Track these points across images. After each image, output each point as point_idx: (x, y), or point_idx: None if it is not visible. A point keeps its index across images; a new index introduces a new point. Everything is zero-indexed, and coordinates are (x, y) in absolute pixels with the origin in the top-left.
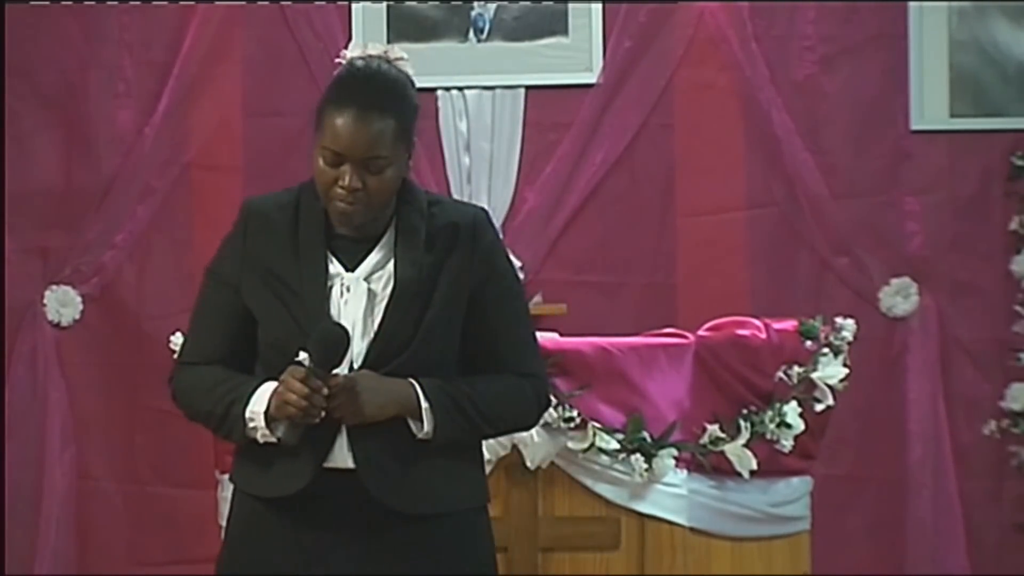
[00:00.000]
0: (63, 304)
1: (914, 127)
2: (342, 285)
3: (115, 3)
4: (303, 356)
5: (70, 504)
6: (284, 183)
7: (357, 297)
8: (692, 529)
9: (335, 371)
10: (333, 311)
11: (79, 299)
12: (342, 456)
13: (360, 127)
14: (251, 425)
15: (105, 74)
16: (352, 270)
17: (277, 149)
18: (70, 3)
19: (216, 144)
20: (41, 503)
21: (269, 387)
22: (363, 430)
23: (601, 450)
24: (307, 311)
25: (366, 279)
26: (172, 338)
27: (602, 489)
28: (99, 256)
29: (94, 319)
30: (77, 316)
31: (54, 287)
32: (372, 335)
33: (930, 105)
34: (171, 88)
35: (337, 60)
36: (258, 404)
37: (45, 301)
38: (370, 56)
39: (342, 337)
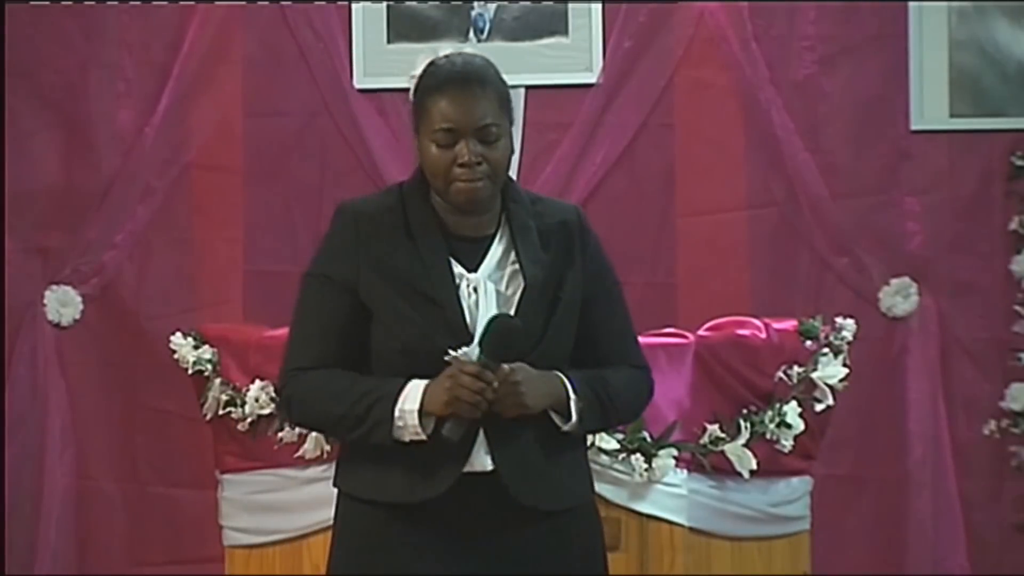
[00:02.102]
0: (63, 304)
1: (914, 127)
2: (468, 286)
3: (115, 3)
4: (462, 352)
5: (70, 504)
6: (284, 183)
7: (487, 298)
8: (692, 529)
9: (507, 361)
10: (465, 312)
11: (79, 299)
12: (479, 459)
13: (468, 98)
14: (399, 424)
15: (105, 74)
16: (473, 270)
17: (277, 149)
18: (70, 3)
19: (216, 144)
20: (41, 503)
21: (420, 384)
22: (501, 431)
23: (601, 450)
24: (444, 314)
25: (491, 279)
26: (172, 338)
27: (602, 489)
28: (99, 256)
29: (94, 319)
30: (77, 316)
31: (54, 287)
32: None
33: (930, 105)
34: (171, 88)
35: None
36: (409, 403)
37: (45, 301)
38: (451, 54)
39: (520, 329)
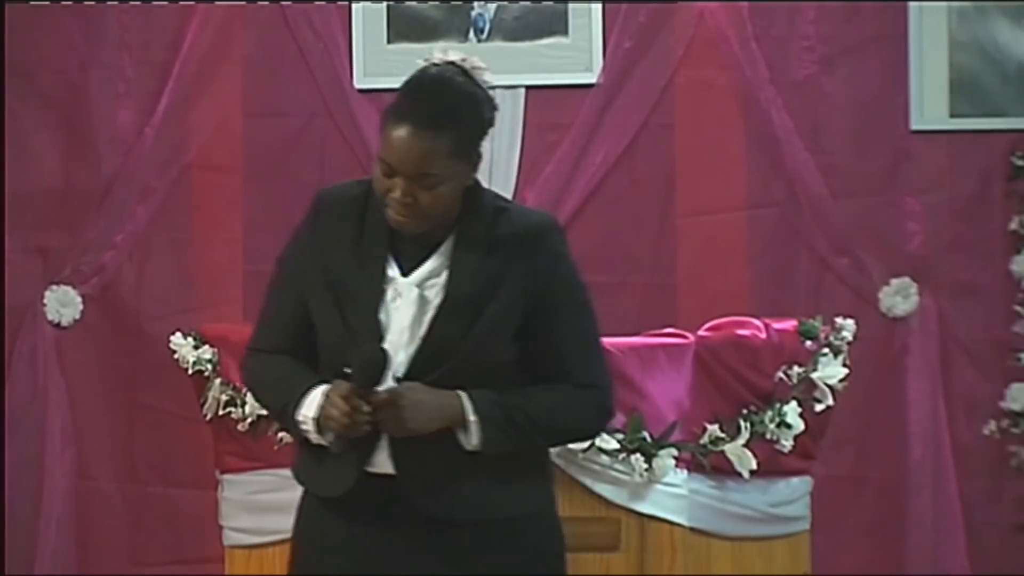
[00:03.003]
0: (63, 304)
1: (914, 127)
2: (395, 290)
3: (115, 3)
4: (348, 371)
5: (70, 504)
6: (284, 183)
7: (407, 304)
8: (692, 529)
9: (378, 387)
10: (383, 316)
11: (79, 299)
12: (384, 461)
13: (412, 144)
14: (304, 428)
15: (105, 74)
16: (408, 273)
17: (277, 149)
18: (70, 3)
19: (216, 144)
20: (41, 503)
21: (318, 392)
22: (405, 438)
23: (601, 450)
24: (358, 316)
25: (419, 285)
26: (172, 338)
27: (602, 489)
28: (99, 256)
29: (94, 319)
30: (77, 316)
31: (54, 287)
32: (418, 343)
33: (930, 105)
34: (171, 88)
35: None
36: (309, 409)
37: (45, 301)
38: (447, 63)
39: (381, 359)
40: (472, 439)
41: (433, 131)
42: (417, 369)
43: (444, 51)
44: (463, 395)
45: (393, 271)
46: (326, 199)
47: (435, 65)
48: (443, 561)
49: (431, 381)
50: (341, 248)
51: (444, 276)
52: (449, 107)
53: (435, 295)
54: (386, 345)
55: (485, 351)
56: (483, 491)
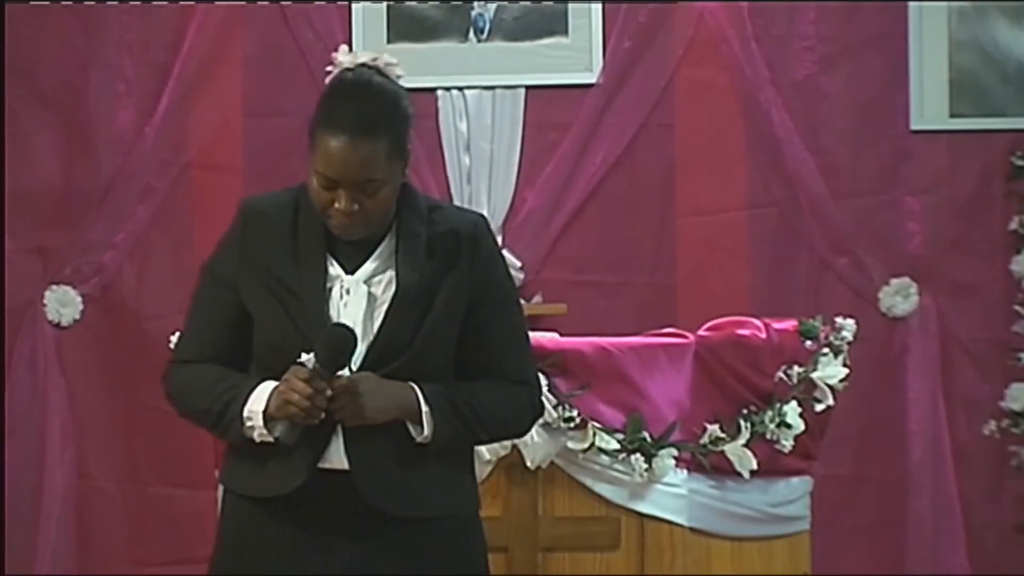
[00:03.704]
0: (63, 304)
1: (914, 127)
2: (342, 288)
3: (115, 3)
4: (306, 358)
5: (70, 504)
6: (284, 183)
7: (357, 300)
8: (692, 529)
9: (339, 373)
10: (332, 314)
11: (79, 299)
12: (338, 457)
13: (352, 154)
14: (248, 424)
15: (105, 74)
16: (352, 273)
17: (277, 149)
18: (70, 3)
19: (216, 144)
20: (41, 503)
21: (268, 386)
22: (359, 432)
23: (601, 450)
24: (306, 313)
25: (366, 282)
26: (172, 338)
27: (602, 489)
28: (99, 256)
29: (94, 319)
30: (77, 316)
31: (54, 287)
32: (372, 338)
33: (930, 105)
34: (171, 88)
35: (328, 69)
36: (256, 403)
37: (45, 301)
38: (361, 66)
39: (350, 339)
40: (424, 430)
41: (370, 136)
42: (370, 363)
43: (352, 54)
44: (415, 386)
45: (336, 269)
46: (254, 207)
47: (348, 70)
48: (393, 559)
49: (382, 376)
50: (277, 252)
51: (390, 273)
52: (379, 110)
53: (382, 291)
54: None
55: (435, 346)
56: (432, 488)
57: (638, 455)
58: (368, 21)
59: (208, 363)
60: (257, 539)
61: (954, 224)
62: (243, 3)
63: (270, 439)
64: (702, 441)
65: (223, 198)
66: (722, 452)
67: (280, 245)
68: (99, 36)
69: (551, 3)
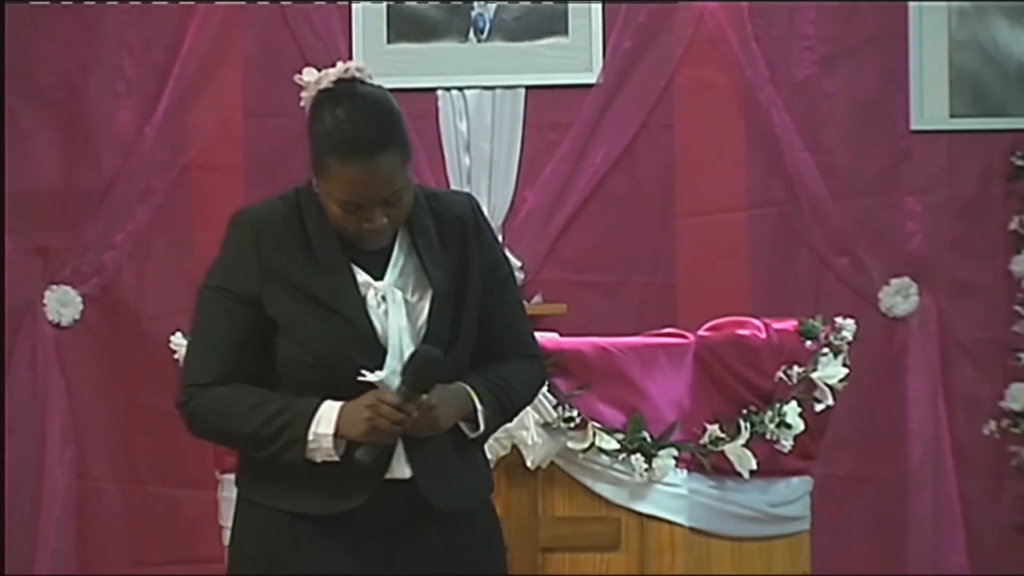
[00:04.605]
0: (63, 304)
1: (914, 127)
2: (376, 295)
3: (115, 3)
4: (374, 377)
5: (70, 504)
6: (284, 183)
7: (397, 306)
8: (692, 529)
9: (428, 390)
10: (377, 325)
11: (79, 299)
12: (399, 467)
13: (375, 175)
14: (312, 447)
15: (105, 74)
16: (378, 277)
17: (277, 149)
18: (70, 3)
19: (216, 144)
20: (41, 503)
21: (333, 408)
22: (417, 440)
23: (601, 450)
24: (349, 326)
25: (396, 286)
26: (172, 338)
27: (602, 489)
28: (99, 256)
29: (94, 319)
30: (77, 316)
31: (54, 287)
32: (420, 342)
33: (930, 105)
34: (171, 88)
35: (297, 80)
36: (323, 426)
37: (45, 301)
38: (339, 82)
39: (440, 359)
40: (479, 427)
41: (385, 151)
42: None
43: (322, 72)
44: (466, 385)
45: (363, 276)
46: (258, 219)
47: (329, 90)
48: (448, 554)
49: None
50: (299, 263)
51: (416, 274)
52: (381, 120)
53: (413, 293)
54: (389, 348)
55: (470, 339)
56: (471, 478)
57: (638, 455)
58: (368, 21)
59: (230, 384)
60: (312, 555)
61: (954, 224)
62: (243, 3)
63: (335, 460)
64: (702, 441)
65: (223, 198)
66: (722, 452)
67: (300, 256)
68: (99, 36)
69: (551, 3)
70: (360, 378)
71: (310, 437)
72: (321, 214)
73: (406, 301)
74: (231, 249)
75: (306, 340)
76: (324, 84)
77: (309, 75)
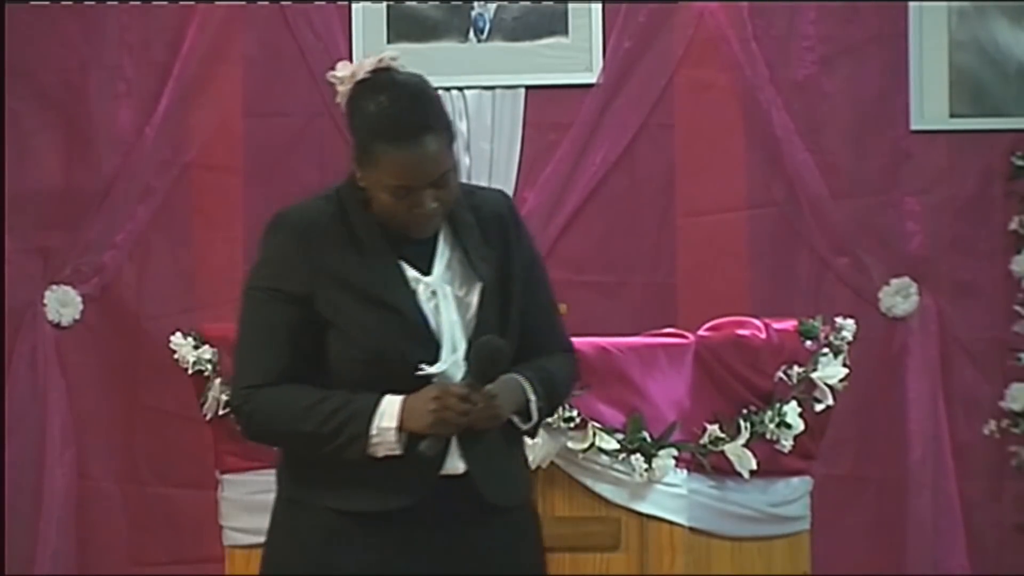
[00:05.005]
0: (63, 304)
1: (914, 127)
2: (426, 290)
3: (115, 3)
4: (432, 370)
5: (70, 504)
6: (284, 183)
7: (447, 300)
8: (692, 529)
9: (493, 381)
10: (430, 320)
11: (79, 299)
12: (453, 463)
13: (423, 156)
14: (375, 441)
15: (105, 74)
16: (425, 272)
17: (277, 149)
18: (70, 3)
19: (216, 144)
20: (41, 503)
21: (396, 401)
22: (472, 435)
23: (601, 450)
24: (403, 322)
25: (444, 280)
26: (172, 338)
27: (602, 489)
28: (99, 256)
29: (94, 319)
30: (77, 316)
31: (54, 287)
32: (471, 336)
33: (930, 105)
34: (171, 88)
35: (331, 77)
36: (386, 420)
37: (45, 301)
38: (374, 72)
39: (505, 348)
40: (531, 420)
41: (433, 132)
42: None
43: (355, 64)
44: (519, 377)
45: (412, 271)
46: (302, 218)
47: (365, 80)
48: (502, 548)
49: None
50: (348, 261)
51: (463, 269)
52: (424, 104)
53: (460, 287)
54: (444, 342)
55: (515, 332)
56: (520, 472)
57: (638, 455)
58: (368, 21)
59: (285, 384)
60: (351, 553)
61: (954, 224)
62: (243, 3)
63: (397, 454)
64: (702, 441)
65: (223, 198)
66: (722, 452)
67: (348, 253)
68: (99, 36)
69: (551, 3)
70: (419, 372)
71: (373, 432)
72: (365, 210)
73: (455, 295)
74: (275, 251)
75: (360, 337)
76: (360, 75)
77: (343, 69)
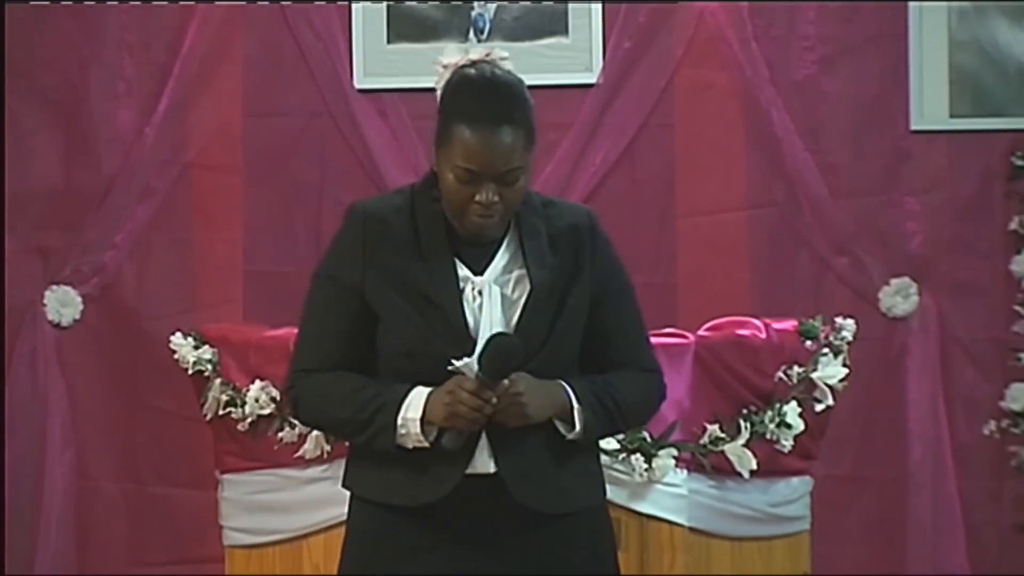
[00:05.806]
0: (63, 304)
1: (914, 127)
2: (474, 289)
3: (115, 3)
4: (460, 364)
5: (70, 504)
6: (284, 183)
7: (492, 301)
8: (692, 529)
9: (506, 378)
10: (469, 317)
11: (79, 299)
12: (483, 461)
13: (496, 144)
14: (402, 432)
15: (105, 74)
16: (479, 273)
17: (277, 149)
18: (70, 3)
19: (216, 144)
20: (41, 503)
21: (422, 393)
22: (504, 435)
23: (601, 450)
24: (444, 318)
25: (496, 282)
26: (172, 338)
27: None
28: (99, 256)
29: (94, 319)
30: (77, 316)
31: (54, 287)
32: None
33: (930, 105)
34: (171, 88)
35: (437, 66)
36: (412, 411)
37: (45, 301)
38: (478, 62)
39: (518, 347)
40: (576, 427)
41: (511, 125)
42: None
43: (463, 53)
44: (564, 383)
45: (464, 271)
46: (369, 212)
47: (468, 67)
48: (539, 555)
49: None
50: (404, 256)
51: (518, 271)
52: (513, 100)
53: (513, 290)
54: (480, 340)
55: (567, 342)
56: (573, 482)
57: (638, 455)
58: (368, 21)
59: (335, 371)
60: (399, 547)
61: (954, 224)
62: (243, 3)
63: (424, 445)
64: (702, 441)
65: (223, 198)
66: (722, 452)
67: (405, 249)
68: (99, 36)
69: (551, 3)
70: (449, 367)
71: (399, 422)
72: (432, 209)
73: (503, 296)
74: (340, 240)
75: (400, 329)
76: (464, 62)
77: (450, 56)
